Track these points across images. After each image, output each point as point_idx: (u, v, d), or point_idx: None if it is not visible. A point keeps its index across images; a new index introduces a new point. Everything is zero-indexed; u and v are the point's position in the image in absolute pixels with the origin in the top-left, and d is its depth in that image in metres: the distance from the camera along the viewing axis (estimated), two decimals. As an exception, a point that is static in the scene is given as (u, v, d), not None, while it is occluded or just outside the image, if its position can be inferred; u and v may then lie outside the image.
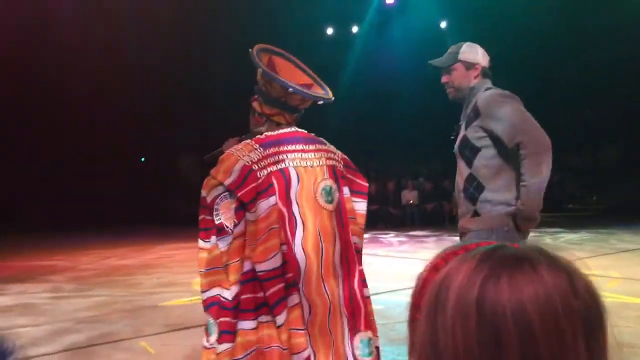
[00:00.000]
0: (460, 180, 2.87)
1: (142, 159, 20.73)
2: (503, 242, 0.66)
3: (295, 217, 2.34)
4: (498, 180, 2.76)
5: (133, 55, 15.41)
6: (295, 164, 2.40)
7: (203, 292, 2.38)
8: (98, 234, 14.33)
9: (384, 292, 5.93)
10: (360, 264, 2.49)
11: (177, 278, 7.71)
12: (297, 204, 2.36)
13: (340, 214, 2.45)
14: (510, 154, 2.71)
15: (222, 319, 2.30)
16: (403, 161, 19.18)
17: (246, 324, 2.27)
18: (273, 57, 2.59)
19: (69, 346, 4.57)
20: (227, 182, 2.30)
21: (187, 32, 15.30)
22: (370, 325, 2.45)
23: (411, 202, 16.28)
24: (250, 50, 2.49)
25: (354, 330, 2.41)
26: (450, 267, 0.64)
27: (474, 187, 2.80)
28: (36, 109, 16.19)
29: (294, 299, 2.28)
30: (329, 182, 2.44)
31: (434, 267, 0.68)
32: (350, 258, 2.45)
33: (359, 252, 2.50)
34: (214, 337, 2.32)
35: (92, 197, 17.69)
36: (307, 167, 2.42)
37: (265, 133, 2.48)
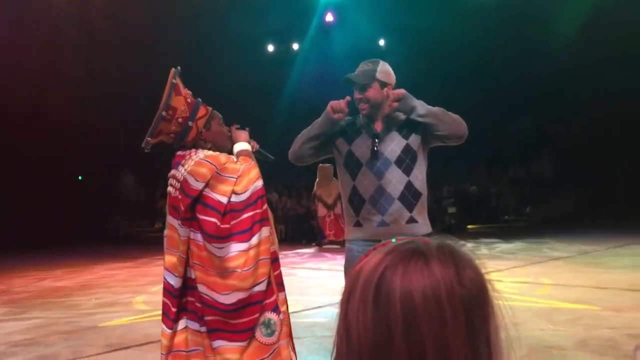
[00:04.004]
0: (391, 187, 2.92)
1: (80, 178, 20.18)
2: (415, 239, 0.76)
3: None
4: (425, 189, 3.03)
5: (72, 71, 15.09)
6: (168, 190, 2.80)
7: None
8: (33, 255, 13.83)
9: (327, 305, 6.00)
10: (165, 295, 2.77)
11: (117, 298, 7.57)
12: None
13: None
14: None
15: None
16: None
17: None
18: None
19: (4, 370, 4.43)
20: None
21: (127, 50, 15.12)
22: None
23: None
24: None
25: None
26: (366, 260, 0.75)
27: (412, 195, 2.95)
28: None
29: None
30: (168, 211, 2.81)
31: (359, 261, 0.77)
32: None
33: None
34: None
35: (27, 216, 17.10)
36: (170, 193, 2.79)
37: None
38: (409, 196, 2.94)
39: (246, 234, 2.60)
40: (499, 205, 18.00)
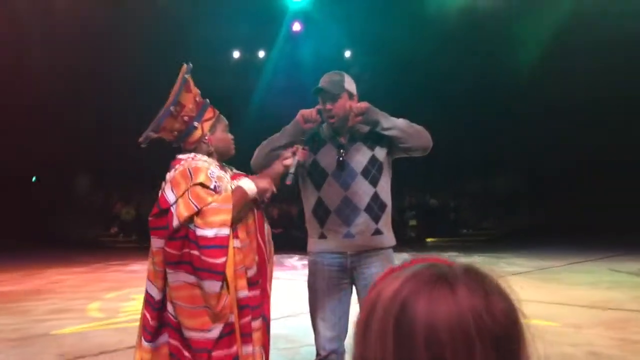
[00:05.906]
0: (357, 198, 2.88)
1: (34, 179, 19.59)
2: (437, 261, 0.68)
3: None
4: (390, 200, 3.00)
5: (29, 69, 14.65)
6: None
7: None
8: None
9: (287, 316, 5.90)
10: (145, 306, 2.51)
11: (69, 304, 7.30)
12: None
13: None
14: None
15: None
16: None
17: None
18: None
19: (-54, 380, 4.19)
20: None
21: (92, 50, 14.78)
22: None
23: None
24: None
25: None
26: (383, 285, 0.67)
27: (378, 206, 2.91)
28: None
29: None
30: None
31: (374, 285, 0.69)
32: None
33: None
34: None
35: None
36: None
37: None
38: (375, 208, 2.90)
39: (196, 271, 2.33)
40: (459, 219, 18.20)
